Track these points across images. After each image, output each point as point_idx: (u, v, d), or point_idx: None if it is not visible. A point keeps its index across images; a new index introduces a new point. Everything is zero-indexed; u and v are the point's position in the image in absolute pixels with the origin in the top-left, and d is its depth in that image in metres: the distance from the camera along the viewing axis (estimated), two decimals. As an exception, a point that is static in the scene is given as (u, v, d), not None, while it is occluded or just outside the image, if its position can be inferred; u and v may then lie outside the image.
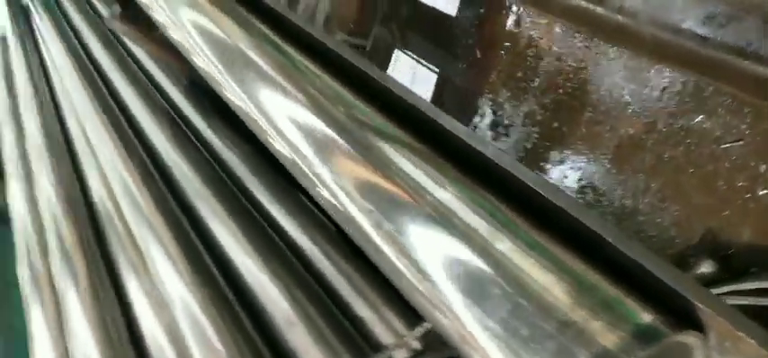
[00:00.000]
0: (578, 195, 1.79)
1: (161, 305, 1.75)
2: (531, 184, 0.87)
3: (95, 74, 3.05)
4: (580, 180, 1.80)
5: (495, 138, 2.11)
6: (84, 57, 3.27)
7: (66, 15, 3.90)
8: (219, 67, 1.92)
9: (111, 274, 2.02)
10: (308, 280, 1.54)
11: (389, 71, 3.19)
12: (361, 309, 1.43)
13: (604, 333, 0.71)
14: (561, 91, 1.97)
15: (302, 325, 1.40)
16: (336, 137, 1.29)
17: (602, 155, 1.84)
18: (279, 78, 1.57)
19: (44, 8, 4.17)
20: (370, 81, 1.37)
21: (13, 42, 4.61)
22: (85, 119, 2.89)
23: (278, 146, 1.51)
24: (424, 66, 3.02)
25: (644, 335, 0.70)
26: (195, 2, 2.01)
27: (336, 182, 1.24)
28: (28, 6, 4.93)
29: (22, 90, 3.97)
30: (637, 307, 0.74)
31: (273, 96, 1.63)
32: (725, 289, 1.49)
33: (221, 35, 1.84)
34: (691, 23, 1.50)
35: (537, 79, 2.01)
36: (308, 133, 1.39)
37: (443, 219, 0.90)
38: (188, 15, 2.03)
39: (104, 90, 2.88)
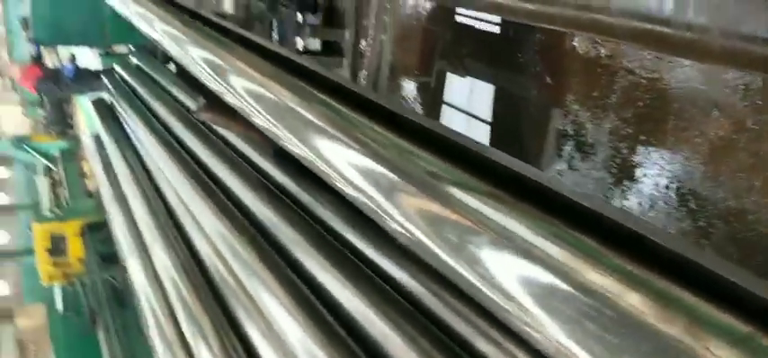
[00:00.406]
0: (680, 204, 1.80)
1: (286, 352, 1.96)
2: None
3: (188, 157, 3.40)
4: (679, 189, 1.82)
5: (583, 159, 2.16)
6: (174, 143, 3.64)
7: (151, 110, 4.32)
8: (277, 124, 2.15)
9: (234, 328, 2.26)
10: (425, 323, 1.61)
11: (446, 96, 3.34)
12: (484, 346, 1.46)
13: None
14: (641, 103, 2.01)
15: None
16: (398, 178, 1.43)
17: (697, 160, 1.84)
18: (331, 130, 1.76)
19: (130, 107, 4.63)
20: (417, 125, 1.50)
21: (106, 139, 5.13)
22: (185, 195, 3.21)
23: (345, 188, 1.68)
24: (481, 87, 3.17)
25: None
26: (243, 70, 2.27)
27: (406, 217, 1.37)
28: (113, 105, 5.49)
29: (123, 178, 4.42)
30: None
31: (330, 145, 1.83)
32: None
33: (271, 96, 2.07)
34: (764, 31, 1.51)
35: (614, 96, 2.09)
36: (369, 176, 1.54)
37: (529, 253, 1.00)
38: (240, 82, 2.30)
39: (199, 170, 3.20)
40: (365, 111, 1.71)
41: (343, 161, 1.68)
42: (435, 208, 1.27)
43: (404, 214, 1.36)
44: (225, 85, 2.19)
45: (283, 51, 2.18)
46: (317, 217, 2.32)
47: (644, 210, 1.93)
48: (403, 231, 1.37)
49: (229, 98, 2.16)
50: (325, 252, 2.13)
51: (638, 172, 2.01)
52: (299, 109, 1.94)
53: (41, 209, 9.60)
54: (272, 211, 2.50)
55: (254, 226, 2.54)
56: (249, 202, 2.67)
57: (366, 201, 1.56)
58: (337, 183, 1.74)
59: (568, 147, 2.29)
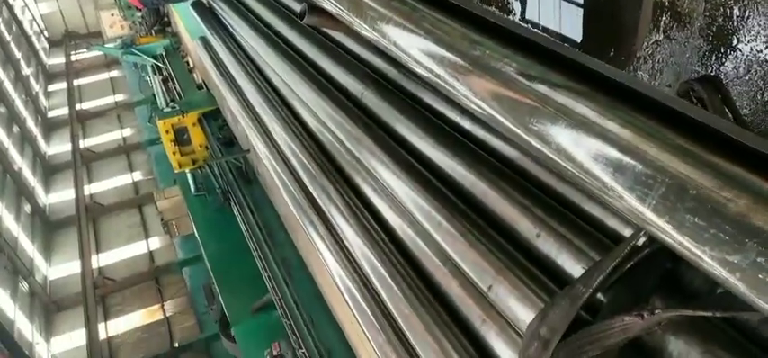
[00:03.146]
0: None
1: (400, 208, 2.40)
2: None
3: (289, 49, 3.86)
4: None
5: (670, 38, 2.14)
6: (277, 39, 4.10)
7: (254, 13, 4.75)
8: (346, 11, 2.47)
9: (353, 189, 2.77)
10: (511, 175, 2.03)
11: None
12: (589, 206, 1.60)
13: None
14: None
15: (548, 235, 1.62)
16: (460, 60, 1.69)
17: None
18: (399, 19, 2.09)
19: (233, 11, 5.08)
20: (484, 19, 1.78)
21: (212, 39, 5.70)
22: (289, 79, 3.70)
23: (417, 69, 2.01)
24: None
25: None
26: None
27: (477, 96, 1.64)
28: (213, 7, 5.97)
29: (232, 69, 5.02)
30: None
31: (400, 33, 2.15)
32: None
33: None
34: None
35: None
36: (436, 58, 1.84)
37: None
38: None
39: (300, 59, 3.66)
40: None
41: (415, 48, 2.04)
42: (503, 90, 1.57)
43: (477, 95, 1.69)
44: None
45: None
46: (416, 96, 2.68)
47: (740, 74, 1.93)
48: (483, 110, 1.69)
49: (327, 6, 2.50)
50: (420, 121, 2.54)
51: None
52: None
53: (159, 104, 10.67)
54: (367, 88, 2.92)
55: (350, 100, 2.96)
56: (344, 82, 3.10)
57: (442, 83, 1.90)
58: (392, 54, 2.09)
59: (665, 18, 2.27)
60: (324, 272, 3.21)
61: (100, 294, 12.43)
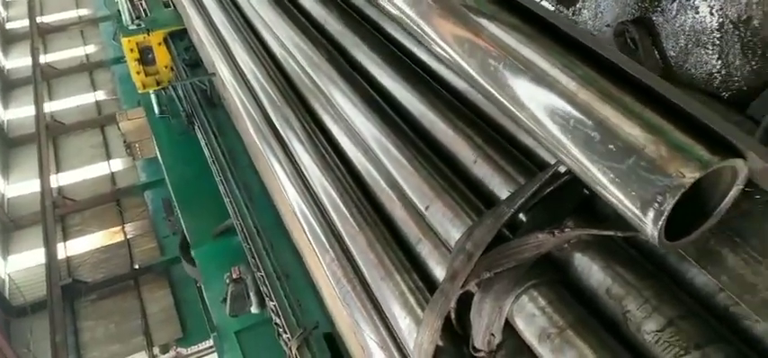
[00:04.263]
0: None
1: (355, 135, 2.46)
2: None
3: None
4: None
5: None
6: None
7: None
8: None
9: (313, 117, 2.81)
10: (461, 108, 2.08)
11: None
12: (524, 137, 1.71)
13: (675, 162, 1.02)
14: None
15: (483, 161, 1.72)
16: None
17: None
18: None
19: None
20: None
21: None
22: (260, 8, 3.68)
23: (388, 7, 2.04)
24: None
25: (703, 163, 1.02)
26: None
27: (440, 38, 1.69)
28: None
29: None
30: (697, 145, 1.05)
31: None
32: None
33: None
34: None
35: None
36: None
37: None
38: None
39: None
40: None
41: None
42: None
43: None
44: None
45: None
46: (377, 24, 2.71)
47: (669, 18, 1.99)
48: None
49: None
50: (378, 49, 2.58)
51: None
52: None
53: (124, 21, 10.31)
54: (333, 16, 2.93)
55: (324, 35, 2.97)
56: (313, 12, 3.10)
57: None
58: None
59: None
60: (283, 198, 3.29)
61: (59, 214, 12.29)
